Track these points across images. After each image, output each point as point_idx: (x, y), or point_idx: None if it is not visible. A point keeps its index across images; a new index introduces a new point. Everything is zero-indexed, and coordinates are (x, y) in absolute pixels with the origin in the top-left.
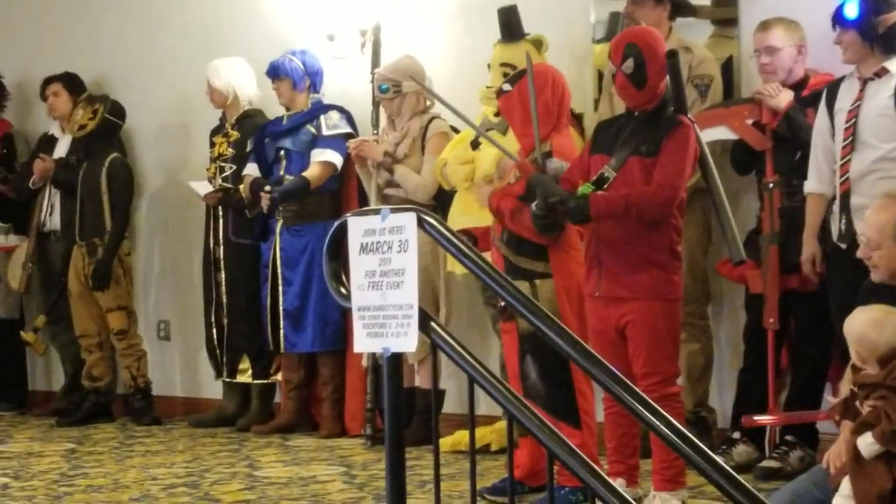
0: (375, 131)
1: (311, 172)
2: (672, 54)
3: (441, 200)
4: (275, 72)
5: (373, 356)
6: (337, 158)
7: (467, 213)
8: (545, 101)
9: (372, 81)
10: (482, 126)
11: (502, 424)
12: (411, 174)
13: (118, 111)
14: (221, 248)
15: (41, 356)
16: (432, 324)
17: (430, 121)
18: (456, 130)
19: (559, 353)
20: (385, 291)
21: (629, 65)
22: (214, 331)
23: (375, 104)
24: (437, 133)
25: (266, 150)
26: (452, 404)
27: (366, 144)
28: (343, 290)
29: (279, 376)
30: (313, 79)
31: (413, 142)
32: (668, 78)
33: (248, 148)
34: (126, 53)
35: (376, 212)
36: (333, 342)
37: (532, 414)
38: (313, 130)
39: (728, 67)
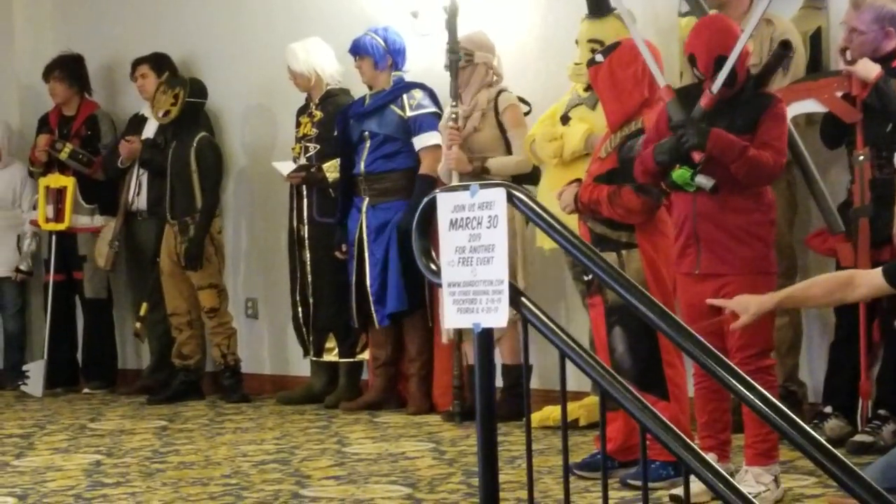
0: (454, 103)
1: (427, 166)
2: (786, 45)
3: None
4: (356, 50)
5: (458, 333)
6: (437, 138)
7: (556, 189)
8: (634, 74)
9: (449, 53)
10: (571, 102)
11: (590, 400)
12: (506, 161)
13: (199, 90)
14: (306, 227)
15: (143, 343)
16: (522, 299)
17: (498, 94)
18: (524, 101)
19: (647, 325)
20: (475, 267)
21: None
22: (300, 310)
23: (454, 74)
24: (509, 105)
25: (350, 131)
26: (537, 380)
27: (454, 161)
28: (433, 267)
29: (365, 354)
30: (395, 57)
31: (483, 115)
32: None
33: (334, 130)
34: (212, 34)
35: (465, 188)
36: (416, 303)
37: (624, 388)
38: (398, 111)
39: (816, 39)
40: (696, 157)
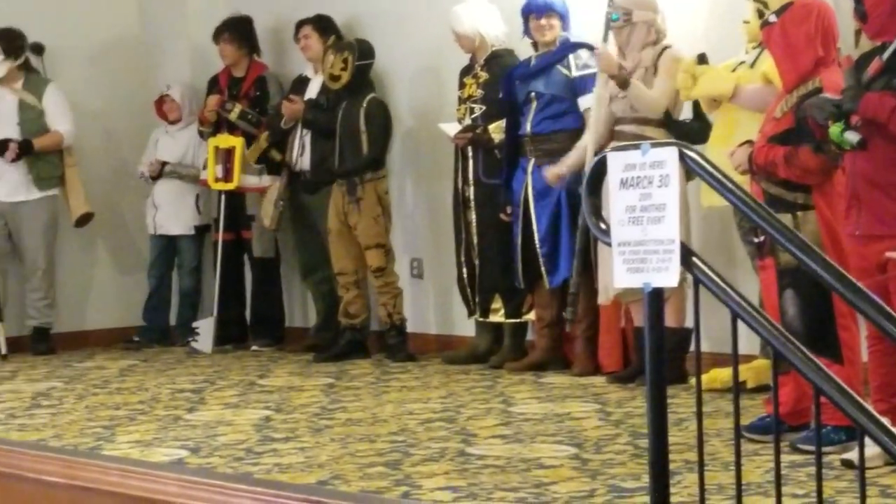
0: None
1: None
2: None
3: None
4: (547, 7)
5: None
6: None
7: (725, 149)
8: (807, 33)
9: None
10: (737, 61)
11: (759, 363)
12: (645, 90)
13: (367, 51)
14: (471, 188)
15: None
16: (694, 259)
17: (662, 51)
18: None
19: (821, 287)
20: (646, 226)
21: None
22: (465, 270)
23: (607, 25)
24: (670, 58)
25: (516, 92)
26: (704, 342)
27: (601, 58)
28: (602, 226)
29: (531, 315)
30: (566, 17)
31: (646, 72)
32: None
33: (500, 92)
34: None
35: (636, 146)
36: (585, 265)
37: (798, 350)
38: (564, 71)
39: None
40: (853, 119)
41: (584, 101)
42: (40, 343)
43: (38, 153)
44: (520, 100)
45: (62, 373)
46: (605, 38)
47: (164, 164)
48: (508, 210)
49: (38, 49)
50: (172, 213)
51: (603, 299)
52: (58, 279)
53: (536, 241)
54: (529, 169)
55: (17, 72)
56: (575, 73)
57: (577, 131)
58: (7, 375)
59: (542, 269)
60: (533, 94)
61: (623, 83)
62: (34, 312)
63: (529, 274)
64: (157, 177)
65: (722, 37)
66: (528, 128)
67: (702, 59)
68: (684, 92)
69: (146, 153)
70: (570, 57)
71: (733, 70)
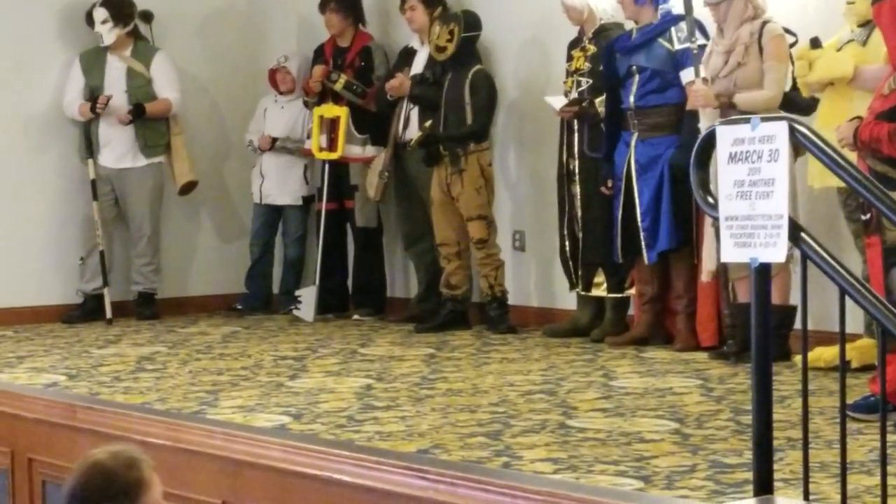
0: (693, 38)
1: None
2: None
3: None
4: None
5: (724, 270)
6: (703, 71)
7: (831, 124)
8: None
9: None
10: (843, 39)
11: (863, 342)
12: (754, 96)
13: (473, 23)
14: (576, 161)
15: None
16: (803, 234)
17: (762, 25)
18: (789, 32)
19: None
20: (754, 201)
21: None
22: (568, 243)
23: (689, 10)
24: (773, 37)
25: (616, 66)
26: (809, 320)
27: (697, 96)
28: (710, 200)
29: (633, 290)
30: None
31: (747, 49)
32: None
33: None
34: None
35: (746, 121)
36: (684, 239)
37: None
38: (666, 45)
39: None
40: None
41: (685, 75)
42: (145, 308)
43: (145, 120)
44: (621, 73)
45: (166, 338)
46: (697, 73)
47: (274, 139)
48: (609, 184)
49: (147, 17)
50: (280, 183)
51: (706, 276)
52: (162, 246)
53: (638, 216)
54: (633, 143)
55: (126, 39)
56: (677, 46)
57: (681, 105)
58: (112, 339)
59: (643, 243)
60: (634, 67)
61: (731, 105)
62: (139, 278)
63: (630, 249)
64: (267, 150)
65: (830, 15)
66: (631, 101)
67: (815, 43)
68: (801, 80)
69: (254, 122)
70: (672, 30)
71: (838, 49)
